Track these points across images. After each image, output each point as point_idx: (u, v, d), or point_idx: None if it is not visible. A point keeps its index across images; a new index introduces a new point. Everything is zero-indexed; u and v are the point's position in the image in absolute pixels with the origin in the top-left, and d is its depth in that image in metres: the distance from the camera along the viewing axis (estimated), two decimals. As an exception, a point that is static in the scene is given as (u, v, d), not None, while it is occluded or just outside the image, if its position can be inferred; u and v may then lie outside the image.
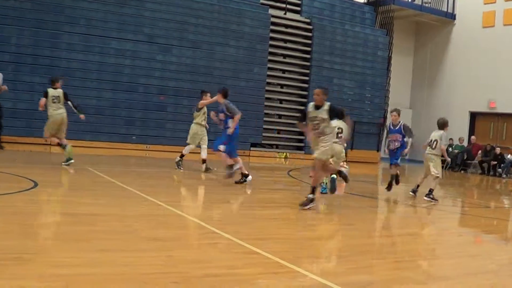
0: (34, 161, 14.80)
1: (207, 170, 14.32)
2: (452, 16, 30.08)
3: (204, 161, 14.39)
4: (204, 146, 14.52)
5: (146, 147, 21.17)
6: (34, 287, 4.22)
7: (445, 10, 30.12)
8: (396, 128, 12.45)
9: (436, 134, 12.37)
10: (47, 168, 13.18)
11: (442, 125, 12.41)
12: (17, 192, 8.65)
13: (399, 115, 12.52)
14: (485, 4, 28.25)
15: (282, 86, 25.99)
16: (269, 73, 24.95)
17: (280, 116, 25.83)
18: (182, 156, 14.48)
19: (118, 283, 4.49)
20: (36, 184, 9.54)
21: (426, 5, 30.15)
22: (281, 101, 25.95)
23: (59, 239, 5.77)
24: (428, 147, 12.36)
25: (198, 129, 14.55)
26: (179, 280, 4.67)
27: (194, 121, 14.62)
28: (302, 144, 25.77)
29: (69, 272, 4.61)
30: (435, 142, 12.26)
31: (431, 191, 12.11)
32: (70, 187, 10.01)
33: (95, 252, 5.37)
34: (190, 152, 14.65)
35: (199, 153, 14.56)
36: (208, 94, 14.62)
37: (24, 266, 4.70)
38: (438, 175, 12.19)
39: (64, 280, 4.38)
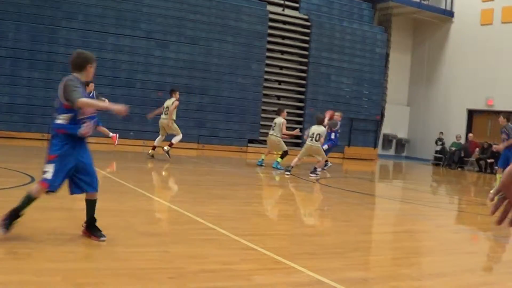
0: (31, 156, 14.79)
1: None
2: (451, 14, 30.08)
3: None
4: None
5: (143, 142, 21.15)
6: (31, 281, 4.22)
7: (444, 7, 30.13)
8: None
9: (318, 129, 14.78)
10: (42, 163, 13.18)
11: (322, 121, 15.48)
12: (13, 187, 8.66)
13: None
14: (483, 1, 28.24)
15: (279, 82, 26.00)
16: (266, 69, 24.95)
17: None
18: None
19: (114, 277, 4.50)
20: (33, 179, 9.54)
21: (425, 2, 30.14)
22: (278, 97, 25.96)
23: (55, 234, 5.77)
24: (312, 140, 14.72)
25: None
26: (175, 276, 4.68)
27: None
28: (299, 141, 25.79)
29: (65, 267, 4.62)
30: (318, 136, 14.66)
31: (316, 169, 14.93)
32: (66, 182, 9.99)
33: (91, 247, 5.38)
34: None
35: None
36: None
37: (21, 261, 4.71)
38: (323, 159, 15.21)
39: (61, 275, 4.39)
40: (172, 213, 7.75)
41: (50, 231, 5.92)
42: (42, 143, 17.35)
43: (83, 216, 6.84)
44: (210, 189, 11.44)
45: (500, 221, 2.29)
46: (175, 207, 8.04)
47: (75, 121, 5.44)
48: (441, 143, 27.66)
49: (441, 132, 28.07)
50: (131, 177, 11.47)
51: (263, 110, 24.67)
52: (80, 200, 8.02)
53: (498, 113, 27.70)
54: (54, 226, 6.18)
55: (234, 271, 5.03)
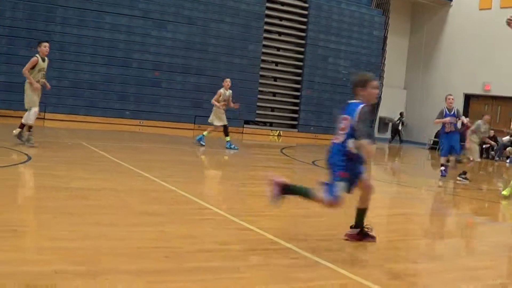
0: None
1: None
2: (449, -3, 30.00)
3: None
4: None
5: (140, 122, 21.14)
6: (34, 260, 4.24)
7: (442, -9, 30.03)
8: None
9: None
10: (40, 142, 13.16)
11: None
12: (10, 166, 8.66)
13: None
14: (482, -14, 28.17)
15: (276, 63, 25.94)
16: (264, 50, 24.88)
17: (274, 94, 25.81)
18: None
19: (112, 256, 4.51)
20: (29, 158, 9.54)
21: (423, -15, 30.06)
22: (275, 78, 25.92)
23: (53, 213, 5.78)
24: None
25: None
26: (171, 255, 4.70)
27: None
28: (295, 122, 25.80)
29: (65, 245, 4.63)
30: None
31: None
32: (64, 161, 10.00)
33: (89, 226, 5.39)
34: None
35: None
36: None
37: (22, 239, 4.73)
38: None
39: (61, 253, 4.41)
40: (169, 193, 7.76)
41: (51, 210, 5.93)
42: (38, 121, 17.28)
43: (80, 195, 6.85)
44: (207, 169, 11.46)
45: None
46: (172, 187, 8.04)
47: None
48: (398, 121, 30.17)
49: (402, 113, 30.56)
50: (127, 157, 11.47)
51: (260, 91, 24.65)
52: (77, 179, 8.04)
53: (495, 98, 27.97)
54: (55, 205, 6.19)
55: (230, 251, 5.05)
